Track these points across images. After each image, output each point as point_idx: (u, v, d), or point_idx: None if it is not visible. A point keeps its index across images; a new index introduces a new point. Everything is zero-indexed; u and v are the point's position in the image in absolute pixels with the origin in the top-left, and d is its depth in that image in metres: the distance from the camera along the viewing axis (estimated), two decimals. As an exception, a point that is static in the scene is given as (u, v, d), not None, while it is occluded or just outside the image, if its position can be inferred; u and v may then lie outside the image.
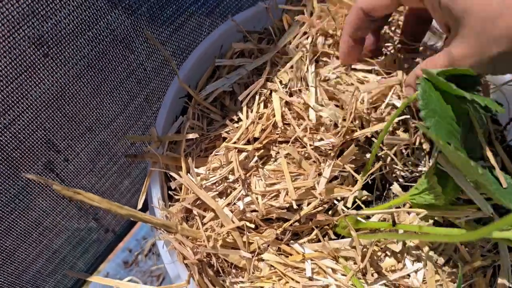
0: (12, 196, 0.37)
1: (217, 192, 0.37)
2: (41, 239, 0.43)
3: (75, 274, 0.34)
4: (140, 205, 0.33)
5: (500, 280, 0.35)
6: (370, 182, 0.40)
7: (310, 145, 0.37)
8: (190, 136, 0.37)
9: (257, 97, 0.40)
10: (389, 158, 0.40)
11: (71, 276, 0.47)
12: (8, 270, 0.41)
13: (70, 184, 0.43)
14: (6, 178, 0.36)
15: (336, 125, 0.38)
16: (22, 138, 0.36)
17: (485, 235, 0.24)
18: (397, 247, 0.36)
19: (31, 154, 0.37)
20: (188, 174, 0.36)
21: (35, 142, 0.37)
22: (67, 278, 0.50)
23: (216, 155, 0.38)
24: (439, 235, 0.30)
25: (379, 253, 0.37)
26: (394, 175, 0.41)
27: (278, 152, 0.38)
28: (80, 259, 0.49)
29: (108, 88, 0.42)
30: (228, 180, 0.37)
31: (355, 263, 0.36)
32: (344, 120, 0.38)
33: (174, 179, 0.37)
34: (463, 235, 0.28)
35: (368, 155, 0.40)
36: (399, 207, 0.37)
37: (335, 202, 0.38)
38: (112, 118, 0.43)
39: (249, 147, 0.37)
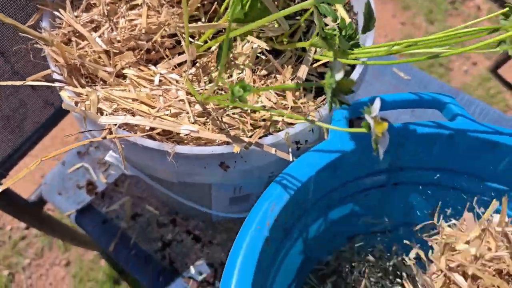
0: None
1: (91, 28, 0.49)
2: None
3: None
4: (26, 24, 0.45)
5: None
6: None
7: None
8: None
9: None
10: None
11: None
12: None
13: None
14: None
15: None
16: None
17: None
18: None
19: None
20: (69, 13, 0.49)
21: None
22: (11, 140, 0.63)
23: (93, 3, 0.50)
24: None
25: (212, 68, 0.48)
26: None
27: (143, 3, 0.50)
28: (24, 122, 0.63)
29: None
30: (101, 22, 0.49)
31: (195, 75, 0.48)
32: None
33: (60, 19, 0.49)
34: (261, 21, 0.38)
35: None
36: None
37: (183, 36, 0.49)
38: None
39: (116, -6, 0.49)
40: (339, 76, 0.28)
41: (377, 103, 0.28)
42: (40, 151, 1.28)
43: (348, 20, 0.48)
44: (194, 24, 0.47)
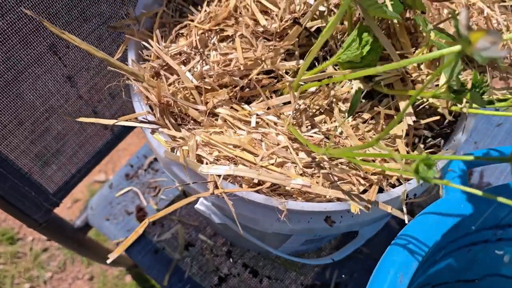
0: (18, 73, 0.46)
1: (181, 61, 0.45)
2: (43, 119, 0.52)
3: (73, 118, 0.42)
4: (115, 57, 0.41)
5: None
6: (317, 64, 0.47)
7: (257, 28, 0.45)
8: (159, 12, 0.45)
9: (220, -8, 0.48)
10: (333, 44, 0.47)
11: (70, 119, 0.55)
12: (7, 149, 0.50)
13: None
14: (12, 53, 0.45)
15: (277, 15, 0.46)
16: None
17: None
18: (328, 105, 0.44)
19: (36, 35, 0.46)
20: (157, 44, 0.45)
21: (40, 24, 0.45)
22: (71, 164, 0.59)
23: (181, 33, 0.46)
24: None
25: (313, 110, 0.44)
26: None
27: (234, 34, 0.46)
28: (81, 148, 0.59)
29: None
30: (190, 54, 0.45)
31: (293, 118, 0.44)
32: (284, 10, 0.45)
33: (148, 49, 0.45)
34: (382, 67, 0.34)
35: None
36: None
37: (283, 74, 0.46)
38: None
39: (207, 26, 0.45)
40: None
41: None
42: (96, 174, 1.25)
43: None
44: (306, 77, 0.43)
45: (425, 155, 0.25)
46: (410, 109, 0.42)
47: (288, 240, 0.54)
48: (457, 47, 0.28)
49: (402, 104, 0.42)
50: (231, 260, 0.69)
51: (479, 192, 0.30)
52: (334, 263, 0.70)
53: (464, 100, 0.39)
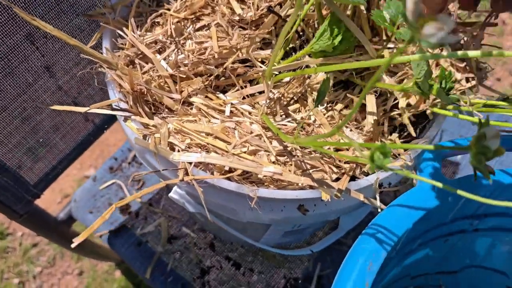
0: None
1: (156, 49, 0.45)
2: (21, 110, 0.52)
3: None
4: (88, 45, 0.41)
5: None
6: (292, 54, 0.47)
7: (233, 17, 0.45)
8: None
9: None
10: (310, 34, 0.47)
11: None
12: None
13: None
14: None
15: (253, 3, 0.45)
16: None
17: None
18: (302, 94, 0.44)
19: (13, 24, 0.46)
20: (132, 32, 0.45)
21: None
22: (52, 155, 0.59)
23: (157, 22, 0.46)
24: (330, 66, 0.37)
25: (288, 99, 0.44)
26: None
27: (210, 23, 0.46)
28: (62, 139, 0.59)
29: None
30: (166, 42, 0.45)
31: (268, 107, 0.44)
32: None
33: (123, 38, 0.45)
34: (353, 64, 0.34)
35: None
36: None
37: (258, 64, 0.45)
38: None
39: (182, 15, 0.45)
40: (495, 144, 0.25)
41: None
42: (76, 165, 1.24)
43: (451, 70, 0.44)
44: (279, 66, 0.43)
45: (380, 144, 0.25)
46: (373, 102, 0.42)
47: (267, 231, 0.54)
48: (420, 55, 0.28)
49: (368, 97, 0.42)
50: (213, 252, 0.68)
51: (439, 184, 0.30)
52: (318, 256, 0.70)
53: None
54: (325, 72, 0.43)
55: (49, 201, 1.22)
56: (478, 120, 0.26)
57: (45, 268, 1.17)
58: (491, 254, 0.49)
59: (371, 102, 0.41)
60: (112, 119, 0.64)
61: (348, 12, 0.42)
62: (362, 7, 0.42)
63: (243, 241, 0.61)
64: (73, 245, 0.31)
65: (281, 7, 0.46)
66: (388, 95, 0.44)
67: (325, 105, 0.44)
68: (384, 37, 0.44)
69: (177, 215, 0.71)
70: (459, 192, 0.28)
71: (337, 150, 0.41)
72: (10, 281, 1.15)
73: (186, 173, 0.38)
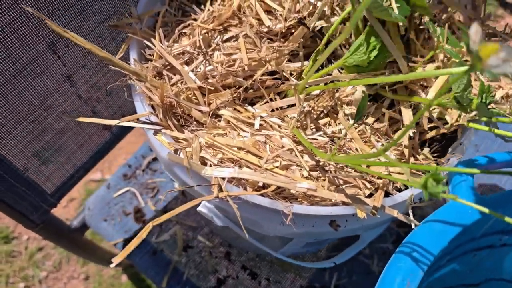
0: (16, 71, 0.45)
1: (184, 61, 0.44)
2: (41, 119, 0.51)
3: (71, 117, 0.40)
4: (117, 57, 0.40)
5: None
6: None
7: (262, 28, 0.44)
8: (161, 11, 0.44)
9: (223, -9, 0.48)
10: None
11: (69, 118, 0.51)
12: (4, 148, 0.48)
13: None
14: (11, 52, 0.43)
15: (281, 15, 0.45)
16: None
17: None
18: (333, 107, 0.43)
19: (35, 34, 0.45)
20: (160, 43, 0.44)
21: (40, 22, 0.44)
22: (69, 164, 0.58)
23: (184, 32, 0.46)
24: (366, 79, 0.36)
25: (318, 113, 0.44)
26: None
27: (238, 34, 0.45)
28: (80, 148, 0.58)
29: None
30: (194, 54, 0.44)
31: (298, 121, 0.43)
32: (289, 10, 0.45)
33: (150, 49, 0.44)
34: (389, 78, 0.33)
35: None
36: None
37: (288, 76, 0.45)
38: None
39: (210, 26, 0.45)
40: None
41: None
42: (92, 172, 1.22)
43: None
44: (311, 79, 0.42)
45: (434, 167, 0.24)
46: (410, 115, 0.41)
47: (290, 242, 0.53)
48: (464, 68, 0.27)
49: (404, 111, 0.42)
50: (229, 261, 0.68)
51: (483, 208, 0.29)
52: (334, 266, 0.70)
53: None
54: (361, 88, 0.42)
55: (62, 208, 1.21)
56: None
57: (51, 272, 1.16)
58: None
59: (407, 116, 0.41)
60: (130, 128, 0.63)
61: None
62: (400, 23, 0.41)
63: (261, 250, 0.60)
64: (112, 265, 0.31)
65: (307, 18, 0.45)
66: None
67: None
68: (418, 56, 0.43)
69: (193, 223, 0.70)
70: (490, 211, 0.28)
71: (368, 166, 0.41)
72: (15, 285, 1.14)
73: (220, 189, 0.37)
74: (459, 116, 0.40)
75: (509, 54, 0.20)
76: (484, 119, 0.39)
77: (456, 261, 0.46)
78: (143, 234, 0.33)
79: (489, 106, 0.37)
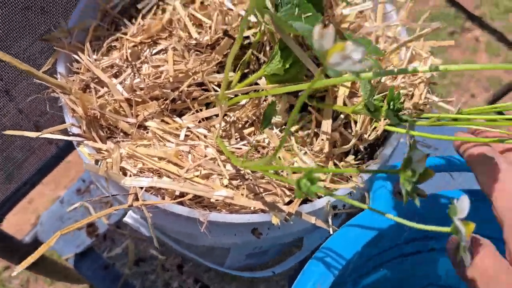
0: None
1: (112, 73, 0.45)
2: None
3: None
4: (42, 70, 0.41)
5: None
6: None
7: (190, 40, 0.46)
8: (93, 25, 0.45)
9: (155, 6, 0.49)
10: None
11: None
12: None
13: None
14: None
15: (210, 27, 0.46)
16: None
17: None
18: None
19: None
20: (88, 56, 0.45)
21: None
22: (14, 178, 0.58)
23: (115, 46, 0.47)
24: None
25: (243, 123, 0.45)
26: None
27: (168, 47, 0.46)
28: (24, 162, 0.58)
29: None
30: (122, 66, 0.45)
31: (224, 131, 0.44)
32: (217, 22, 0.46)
33: (78, 62, 0.45)
34: (307, 84, 0.34)
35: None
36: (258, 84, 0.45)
37: (214, 87, 0.46)
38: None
39: (138, 39, 0.46)
40: (421, 167, 0.25)
41: (464, 202, 0.24)
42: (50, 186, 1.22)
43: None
44: (236, 89, 0.43)
45: (310, 168, 0.25)
46: (329, 123, 0.42)
47: (229, 255, 0.54)
48: (368, 75, 0.28)
49: (324, 118, 0.43)
50: (182, 274, 0.68)
51: (391, 216, 0.30)
52: (293, 274, 0.70)
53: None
54: (273, 95, 0.43)
55: (23, 222, 1.20)
56: (408, 142, 0.27)
57: (18, 291, 1.15)
58: (448, 273, 0.49)
59: (325, 123, 0.42)
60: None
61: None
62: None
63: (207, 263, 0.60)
64: (13, 274, 0.31)
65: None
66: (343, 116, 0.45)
67: (280, 127, 0.44)
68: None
69: (146, 237, 0.70)
70: (397, 219, 0.29)
71: (294, 172, 0.42)
72: (-19, 305, 1.12)
73: (137, 198, 0.38)
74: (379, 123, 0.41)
75: (351, 52, 0.20)
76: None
77: (385, 267, 0.46)
78: (51, 242, 0.33)
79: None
